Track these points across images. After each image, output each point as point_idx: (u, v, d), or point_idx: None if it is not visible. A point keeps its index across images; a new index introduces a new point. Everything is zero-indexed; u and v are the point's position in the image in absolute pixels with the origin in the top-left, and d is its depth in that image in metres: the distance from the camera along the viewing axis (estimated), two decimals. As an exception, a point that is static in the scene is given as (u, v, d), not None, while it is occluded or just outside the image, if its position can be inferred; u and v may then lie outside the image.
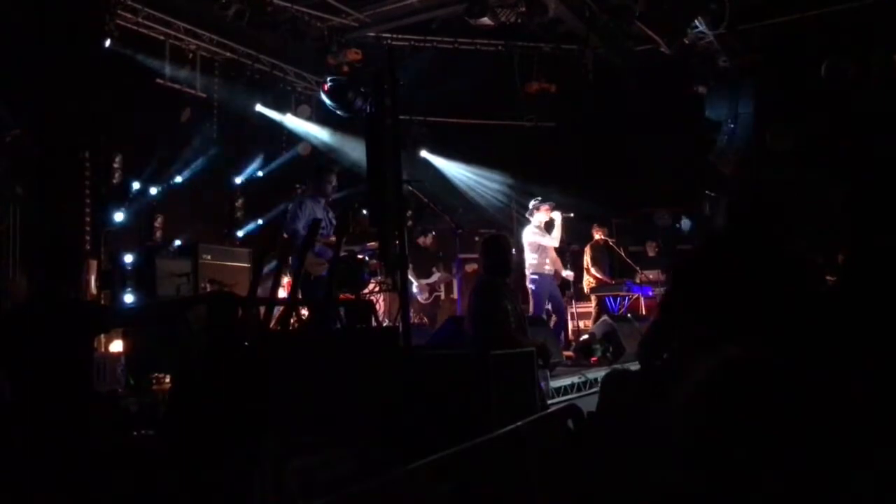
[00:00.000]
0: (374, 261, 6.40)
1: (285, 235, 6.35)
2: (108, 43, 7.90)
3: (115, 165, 8.43)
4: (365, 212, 7.02)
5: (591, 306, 9.84)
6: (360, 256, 6.34)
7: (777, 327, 2.07)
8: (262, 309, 4.90)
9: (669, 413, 1.05)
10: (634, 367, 4.10)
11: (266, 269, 5.66)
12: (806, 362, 0.99)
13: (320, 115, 10.91)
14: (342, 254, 5.60)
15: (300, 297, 5.96)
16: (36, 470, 2.96)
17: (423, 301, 9.30)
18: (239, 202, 10.39)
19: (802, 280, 2.30)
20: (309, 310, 5.80)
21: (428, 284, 9.40)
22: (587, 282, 9.80)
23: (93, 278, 6.77)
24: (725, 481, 0.94)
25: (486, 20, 8.83)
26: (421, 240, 9.47)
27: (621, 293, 9.59)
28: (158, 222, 8.66)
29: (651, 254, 10.78)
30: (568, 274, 8.70)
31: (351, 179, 8.69)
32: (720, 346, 1.03)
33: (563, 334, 8.18)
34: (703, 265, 2.55)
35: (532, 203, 8.06)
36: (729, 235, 2.47)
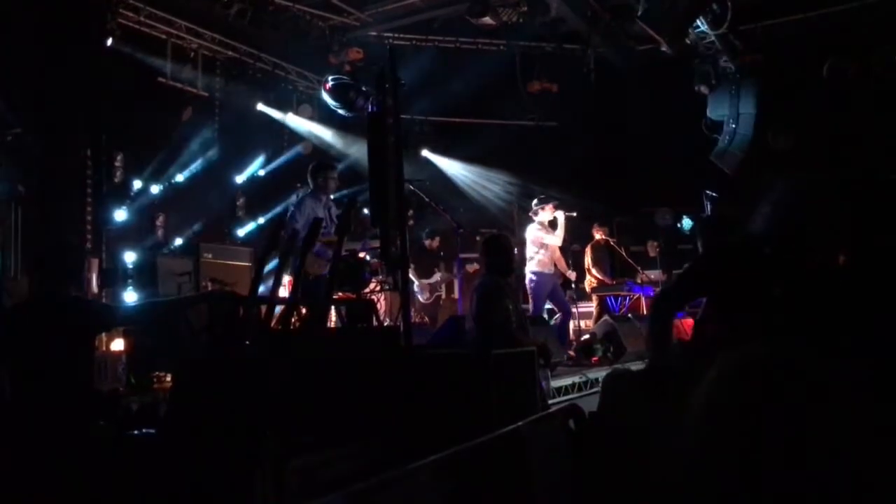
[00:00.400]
0: (376, 260, 6.40)
1: (285, 235, 6.35)
2: (109, 42, 7.90)
3: (117, 164, 8.44)
4: (366, 211, 7.03)
5: (592, 306, 9.84)
6: (361, 254, 6.34)
7: (804, 328, 2.07)
8: (264, 308, 4.89)
9: (678, 413, 1.04)
10: (635, 366, 4.10)
11: (266, 269, 5.66)
12: (828, 363, 0.98)
13: (322, 115, 10.91)
14: (343, 253, 5.59)
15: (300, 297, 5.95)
16: (35, 469, 2.96)
17: (424, 301, 9.31)
18: (240, 201, 10.39)
19: (829, 283, 2.30)
20: (307, 310, 5.79)
21: (429, 284, 9.40)
22: (588, 282, 9.80)
23: (94, 277, 6.78)
24: (736, 484, 0.94)
25: (487, 20, 8.83)
26: (427, 242, 9.47)
27: (622, 293, 9.58)
28: (160, 221, 8.67)
29: (652, 253, 10.78)
30: (571, 273, 8.69)
31: (352, 179, 8.70)
32: (740, 346, 1.02)
33: (566, 331, 8.16)
34: (733, 265, 2.53)
35: (535, 201, 8.04)
36: (766, 238, 2.45)
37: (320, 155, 10.64)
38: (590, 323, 9.31)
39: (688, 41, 9.78)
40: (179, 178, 9.20)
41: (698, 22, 9.56)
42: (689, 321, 6.87)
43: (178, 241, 8.38)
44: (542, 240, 7.79)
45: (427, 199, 7.49)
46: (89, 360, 3.77)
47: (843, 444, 0.90)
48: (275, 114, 10.51)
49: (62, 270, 3.61)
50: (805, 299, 2.23)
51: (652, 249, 10.84)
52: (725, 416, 0.96)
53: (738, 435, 0.94)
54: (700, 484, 0.97)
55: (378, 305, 7.43)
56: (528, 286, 7.74)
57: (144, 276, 7.00)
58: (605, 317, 8.09)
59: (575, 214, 8.26)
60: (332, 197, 6.68)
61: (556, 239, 7.89)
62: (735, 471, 0.93)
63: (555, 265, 8.00)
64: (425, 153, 11.64)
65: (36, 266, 3.83)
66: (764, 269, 2.38)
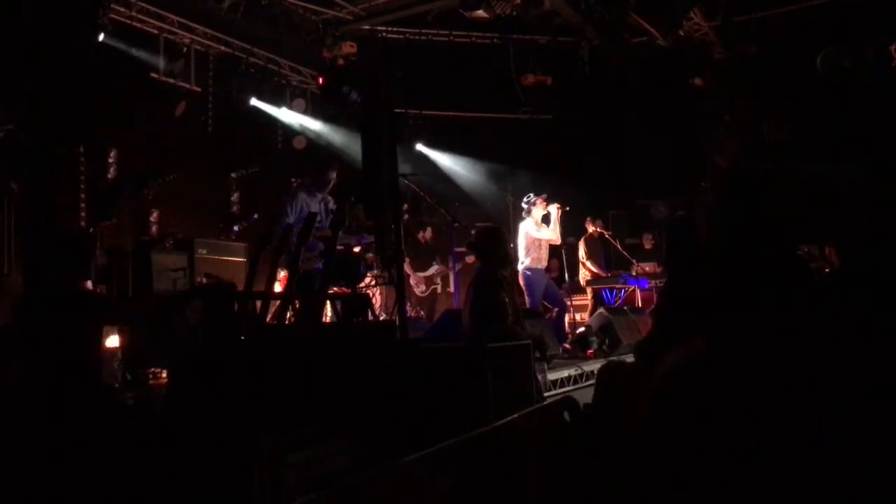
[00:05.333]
0: (371, 254, 6.40)
1: (278, 230, 6.33)
2: (101, 37, 7.86)
3: (110, 160, 8.40)
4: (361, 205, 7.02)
5: (587, 299, 9.86)
6: (356, 249, 6.34)
7: (762, 321, 2.06)
8: (258, 303, 4.89)
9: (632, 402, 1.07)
10: (630, 359, 4.11)
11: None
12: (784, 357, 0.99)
13: (315, 109, 10.88)
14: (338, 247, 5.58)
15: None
16: (40, 461, 2.96)
17: (419, 294, 9.31)
18: (234, 196, 10.36)
19: (794, 274, 2.29)
20: (299, 304, 5.79)
21: (425, 277, 9.41)
22: (583, 275, 9.82)
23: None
24: (674, 469, 0.96)
25: (481, 12, 8.79)
26: (420, 234, 9.47)
27: (617, 285, 9.60)
28: (154, 217, 8.63)
29: (647, 246, 10.80)
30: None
31: (348, 173, 8.68)
32: (687, 340, 1.04)
33: (562, 326, 8.16)
34: (694, 264, 2.54)
35: (527, 199, 8.05)
36: (717, 232, 2.45)
37: (314, 149, 10.61)
38: (585, 316, 9.33)
39: (682, 32, 9.78)
40: (173, 173, 9.14)
41: (693, 13, 9.56)
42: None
43: (173, 237, 8.34)
44: (535, 236, 7.80)
45: (422, 194, 7.49)
46: (99, 353, 3.77)
47: (772, 438, 0.92)
48: (268, 108, 10.47)
49: (73, 262, 3.61)
50: (752, 296, 2.22)
51: (647, 242, 10.86)
52: (666, 403, 0.99)
53: (675, 421, 0.96)
54: (649, 455, 0.99)
55: (374, 300, 7.45)
56: (522, 282, 7.76)
57: (139, 272, 6.97)
58: (601, 309, 8.11)
59: (568, 209, 8.27)
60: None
61: (551, 234, 7.89)
62: (674, 449, 0.95)
63: (547, 261, 8.02)
64: (420, 147, 11.63)
65: (46, 258, 3.83)
66: (728, 264, 2.36)
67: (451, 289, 9.53)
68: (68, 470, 2.94)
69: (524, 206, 8.02)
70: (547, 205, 7.91)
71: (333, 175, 6.65)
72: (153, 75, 8.84)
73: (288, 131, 10.83)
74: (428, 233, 9.59)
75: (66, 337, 3.39)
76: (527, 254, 7.80)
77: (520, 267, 7.72)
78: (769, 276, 2.23)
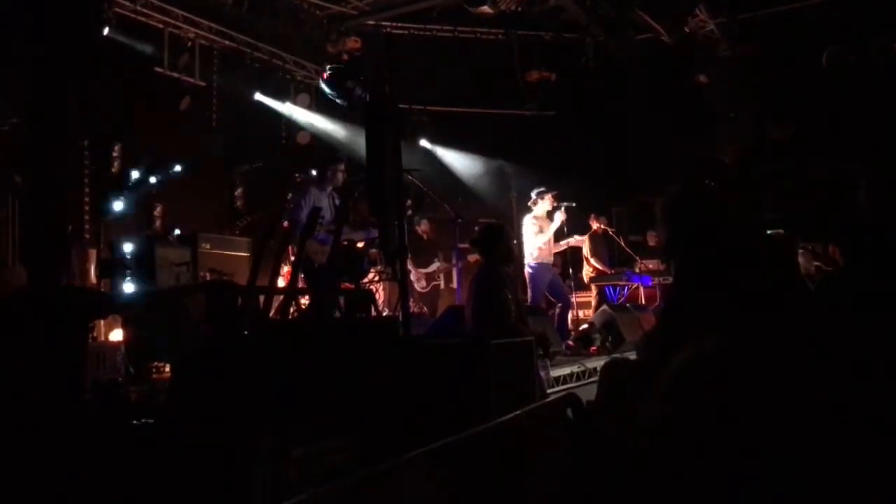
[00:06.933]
0: (374, 250, 6.41)
1: (285, 224, 6.35)
2: (106, 31, 7.87)
3: (115, 154, 8.41)
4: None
5: (591, 296, 9.85)
6: (360, 245, 6.35)
7: (751, 322, 2.07)
8: (262, 298, 4.90)
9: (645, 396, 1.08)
10: (633, 356, 4.11)
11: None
12: (785, 357, 1.00)
13: (320, 104, 10.87)
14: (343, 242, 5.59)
15: (304, 285, 5.97)
16: (30, 458, 2.96)
17: (421, 290, 9.31)
18: (238, 191, 10.37)
19: (763, 271, 2.29)
20: (310, 298, 5.81)
21: (427, 274, 9.40)
22: (586, 272, 9.81)
23: (92, 267, 6.77)
24: (688, 458, 0.97)
25: (486, 8, 8.78)
26: (417, 228, 9.45)
27: (621, 283, 9.59)
28: (158, 211, 8.65)
29: (651, 243, 10.77)
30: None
31: (352, 168, 8.68)
32: (699, 339, 1.05)
33: (566, 322, 8.15)
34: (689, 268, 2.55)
35: (535, 192, 8.02)
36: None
37: (319, 144, 10.61)
38: (588, 313, 9.32)
39: (687, 30, 9.75)
40: (177, 167, 9.16)
41: (698, 10, 9.53)
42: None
43: (177, 231, 8.36)
44: (533, 231, 7.80)
45: (425, 189, 7.49)
46: (83, 347, 3.78)
47: (777, 432, 0.92)
48: (273, 103, 10.47)
49: (54, 259, 3.62)
50: (758, 297, 2.23)
51: (651, 239, 10.83)
52: (679, 402, 0.99)
53: (688, 420, 0.97)
54: (659, 454, 1.00)
55: (377, 295, 7.45)
56: (527, 276, 7.76)
57: (142, 266, 6.99)
58: (604, 306, 8.10)
59: (574, 205, 8.26)
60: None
61: (548, 233, 7.88)
62: (686, 448, 0.96)
63: (553, 255, 8.02)
64: (424, 143, 11.62)
65: (29, 255, 3.84)
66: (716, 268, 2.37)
67: (454, 285, 9.52)
68: (60, 466, 2.95)
69: (532, 196, 8.00)
70: (555, 202, 7.89)
71: (341, 169, 6.66)
72: (158, 69, 8.85)
73: (292, 126, 10.84)
74: (423, 225, 9.59)
75: (41, 334, 3.40)
76: (531, 248, 7.79)
77: (526, 260, 7.72)
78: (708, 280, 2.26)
